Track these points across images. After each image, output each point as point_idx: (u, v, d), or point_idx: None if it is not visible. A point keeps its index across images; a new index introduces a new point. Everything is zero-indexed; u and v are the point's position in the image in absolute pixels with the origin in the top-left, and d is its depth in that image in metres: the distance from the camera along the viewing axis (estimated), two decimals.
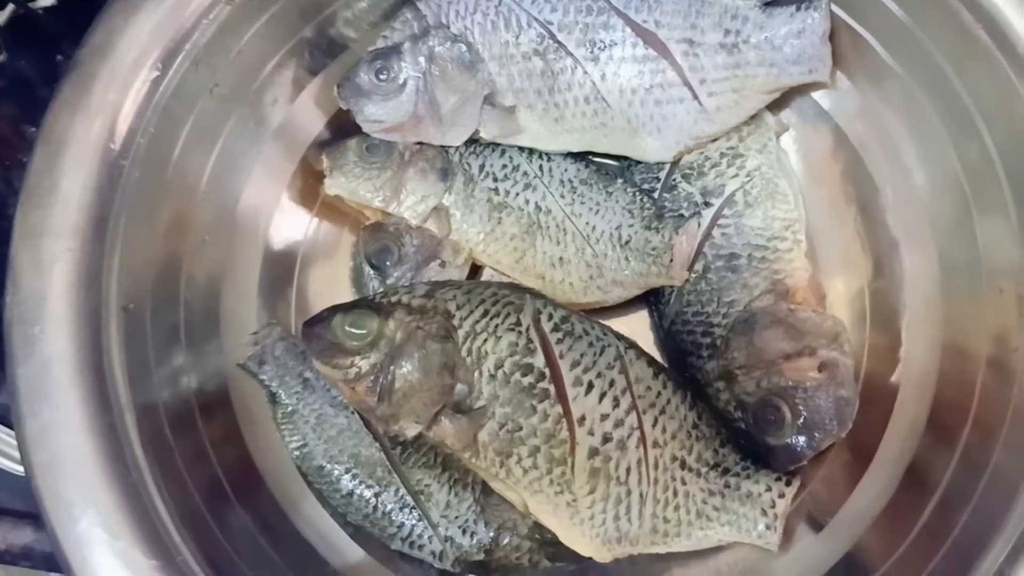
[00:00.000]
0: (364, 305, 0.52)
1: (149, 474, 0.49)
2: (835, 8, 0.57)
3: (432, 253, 0.60)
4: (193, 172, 0.57)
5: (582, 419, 0.51)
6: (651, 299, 0.63)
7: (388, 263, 0.59)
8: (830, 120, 0.62)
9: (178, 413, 0.53)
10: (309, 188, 0.64)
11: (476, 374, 0.50)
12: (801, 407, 0.55)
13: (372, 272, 0.60)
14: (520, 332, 0.51)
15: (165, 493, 0.48)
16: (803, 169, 0.63)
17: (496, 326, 0.51)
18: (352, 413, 0.57)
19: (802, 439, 0.55)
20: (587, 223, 0.61)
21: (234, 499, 0.53)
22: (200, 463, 0.53)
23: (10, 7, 0.69)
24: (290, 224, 0.64)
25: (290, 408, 0.58)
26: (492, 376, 0.50)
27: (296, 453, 0.57)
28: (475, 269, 0.62)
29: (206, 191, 0.58)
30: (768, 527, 0.54)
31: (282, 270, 0.63)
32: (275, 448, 0.58)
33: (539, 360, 0.51)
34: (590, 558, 0.53)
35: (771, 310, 0.57)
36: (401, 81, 0.59)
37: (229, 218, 0.60)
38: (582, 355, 0.52)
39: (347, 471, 0.56)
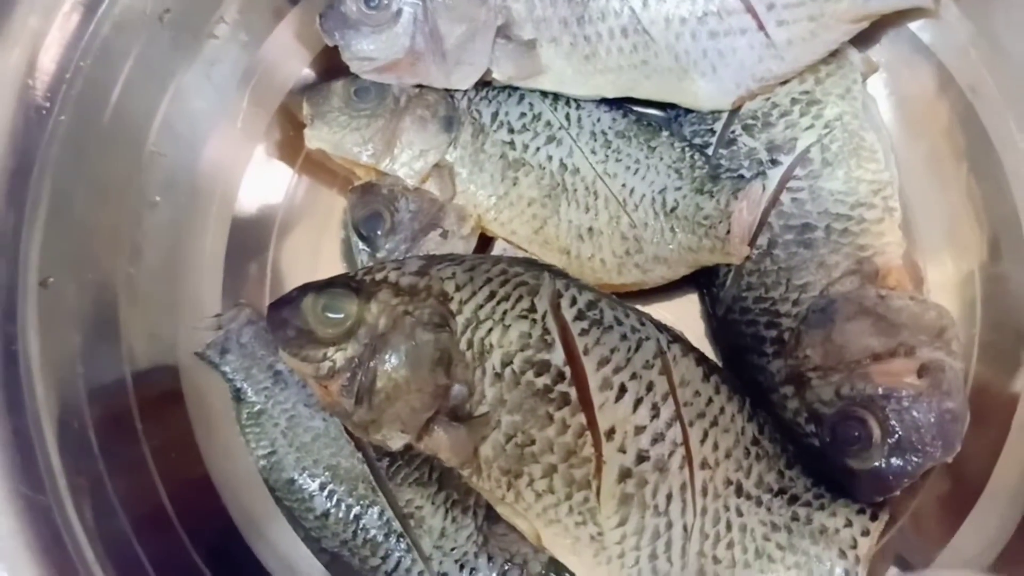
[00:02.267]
0: (341, 284, 0.47)
1: (67, 491, 0.43)
2: None
3: (432, 221, 0.54)
4: (138, 119, 0.52)
5: (611, 432, 0.46)
6: (702, 281, 0.57)
7: (379, 232, 0.54)
8: (932, 58, 0.56)
9: (110, 414, 0.48)
10: (290, 142, 0.60)
11: (478, 372, 0.45)
12: (894, 422, 0.48)
13: (361, 243, 0.55)
14: (534, 320, 0.46)
15: (86, 516, 0.44)
16: (896, 120, 0.58)
17: (504, 312, 0.46)
18: (331, 416, 0.53)
19: (894, 463, 0.48)
20: (623, 185, 0.55)
21: (176, 522, 0.49)
22: (134, 477, 0.48)
23: None
24: (265, 185, 0.59)
25: (257, 407, 0.54)
26: (498, 375, 0.45)
27: (263, 462, 0.53)
28: (484, 242, 0.57)
29: (156, 143, 0.53)
30: (847, 573, 0.47)
31: (254, 241, 0.58)
32: (237, 457, 0.53)
33: (557, 356, 0.46)
34: None
35: (856, 296, 0.50)
36: (395, 8, 0.54)
37: (186, 177, 0.55)
38: (612, 351, 0.47)
39: (323, 486, 0.52)
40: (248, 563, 0.51)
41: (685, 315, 0.57)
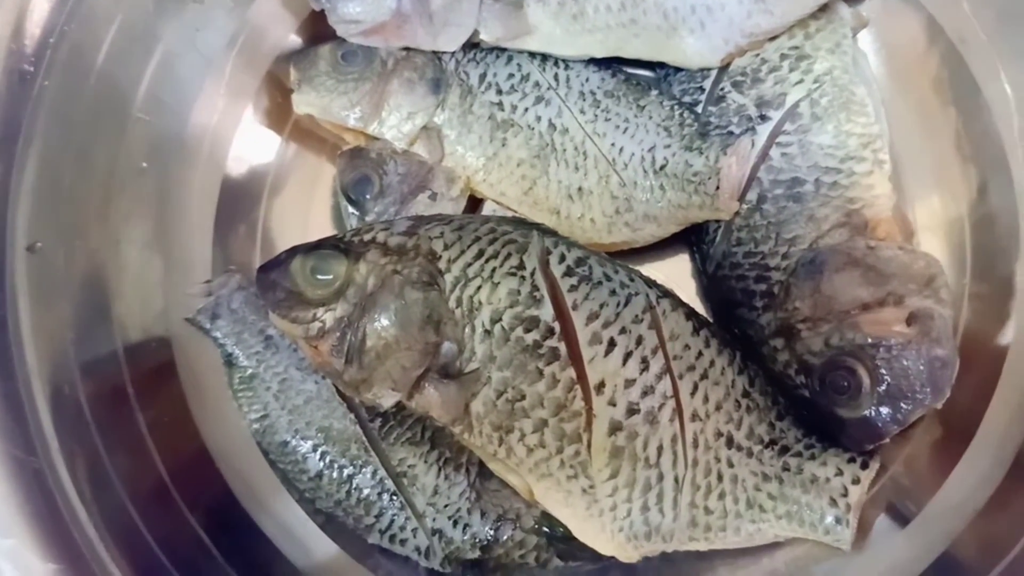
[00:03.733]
0: (330, 245, 0.47)
1: (61, 456, 0.43)
2: None
3: (421, 183, 0.53)
4: (124, 85, 0.50)
5: (601, 386, 0.45)
6: (692, 239, 0.57)
7: (367, 196, 0.53)
8: (921, 10, 0.55)
9: (103, 381, 0.47)
10: (278, 108, 0.58)
11: (467, 329, 0.45)
12: (883, 370, 0.48)
13: (350, 208, 0.54)
14: (523, 277, 0.46)
15: (81, 481, 0.43)
16: (886, 72, 0.56)
17: (493, 270, 0.46)
18: (324, 377, 0.52)
19: (884, 411, 0.48)
20: (613, 144, 0.54)
21: (172, 487, 0.48)
22: (130, 442, 0.47)
23: None
24: (254, 150, 0.58)
25: (249, 371, 0.53)
26: (487, 332, 0.45)
27: (256, 426, 0.52)
28: (474, 203, 0.56)
29: (142, 109, 0.51)
30: (838, 520, 0.47)
31: (243, 207, 0.57)
32: (230, 423, 0.52)
33: (547, 312, 0.45)
34: (612, 557, 0.47)
35: (845, 248, 0.50)
36: None
37: (174, 142, 0.54)
38: (602, 306, 0.46)
39: (316, 448, 0.51)
40: (246, 527, 0.50)
41: (675, 274, 0.57)
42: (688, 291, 0.56)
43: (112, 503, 0.44)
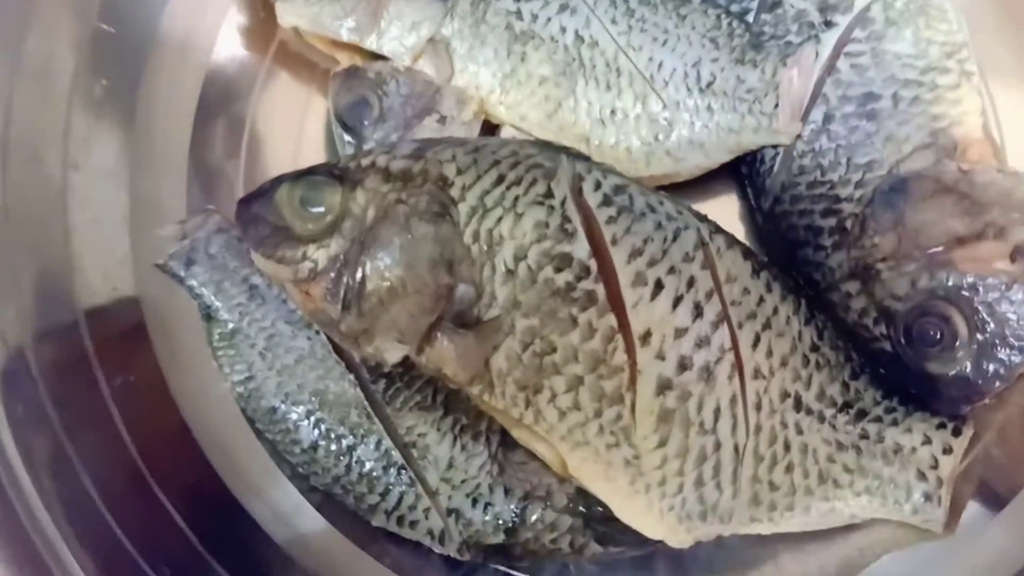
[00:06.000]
0: (322, 172, 0.42)
1: (12, 440, 0.40)
2: None
3: (427, 105, 0.49)
4: None
5: (647, 336, 0.41)
6: (744, 170, 0.51)
7: (366, 122, 0.49)
8: None
9: (59, 344, 0.44)
10: (261, 24, 0.54)
11: (486, 270, 0.41)
12: (984, 315, 0.43)
13: (346, 135, 0.49)
14: (552, 207, 0.41)
15: (37, 468, 0.40)
16: None
17: (516, 198, 0.41)
18: (318, 332, 0.48)
19: (985, 364, 0.43)
20: (650, 59, 0.49)
21: (144, 468, 0.45)
22: (93, 418, 0.44)
23: None
24: (235, 70, 0.54)
25: (231, 326, 0.49)
26: (510, 272, 0.40)
27: (240, 390, 0.49)
28: (489, 129, 0.52)
29: (104, 16, 0.47)
30: (928, 497, 0.43)
31: (224, 138, 0.53)
32: (211, 389, 0.49)
33: (580, 248, 0.41)
34: (660, 541, 0.43)
35: (932, 172, 0.45)
36: None
37: (136, 55, 0.50)
38: (646, 241, 0.42)
39: (309, 414, 0.48)
40: (230, 510, 0.47)
41: (724, 213, 0.50)
42: (739, 233, 0.51)
43: (74, 491, 0.42)
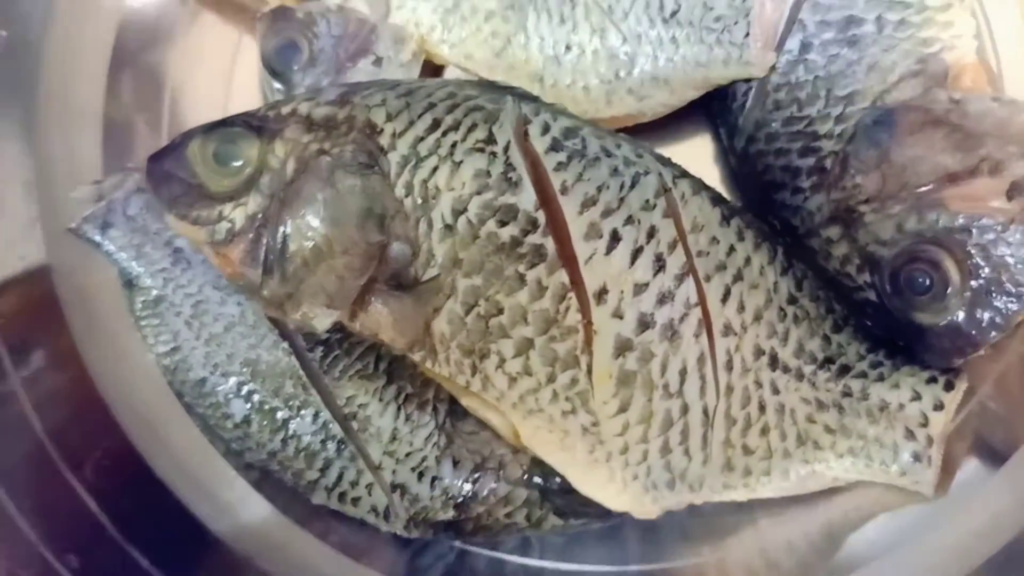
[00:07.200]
0: (238, 123, 0.40)
1: None
2: None
3: (362, 46, 0.46)
4: None
5: (602, 293, 0.39)
6: (714, 107, 0.49)
7: (295, 66, 0.46)
8: None
9: None
10: None
11: (422, 225, 0.38)
12: (978, 259, 0.41)
13: (274, 82, 0.47)
14: (494, 155, 0.39)
15: None
16: None
17: (453, 145, 0.39)
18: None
19: (979, 315, 0.41)
20: None
21: (53, 449, 0.42)
22: None
23: None
24: (152, 13, 0.51)
25: (154, 293, 0.47)
26: (449, 227, 0.38)
27: (165, 361, 0.47)
28: (432, 71, 0.49)
29: None
30: (917, 457, 0.41)
31: (142, 86, 0.50)
32: (132, 360, 0.46)
33: (526, 199, 0.38)
34: (625, 513, 0.42)
35: (921, 103, 0.42)
36: None
37: (43, 5, 0.46)
38: (600, 189, 0.39)
39: (241, 386, 0.46)
40: (154, 493, 0.44)
41: (693, 156, 0.48)
42: (711, 178, 0.48)
43: None
